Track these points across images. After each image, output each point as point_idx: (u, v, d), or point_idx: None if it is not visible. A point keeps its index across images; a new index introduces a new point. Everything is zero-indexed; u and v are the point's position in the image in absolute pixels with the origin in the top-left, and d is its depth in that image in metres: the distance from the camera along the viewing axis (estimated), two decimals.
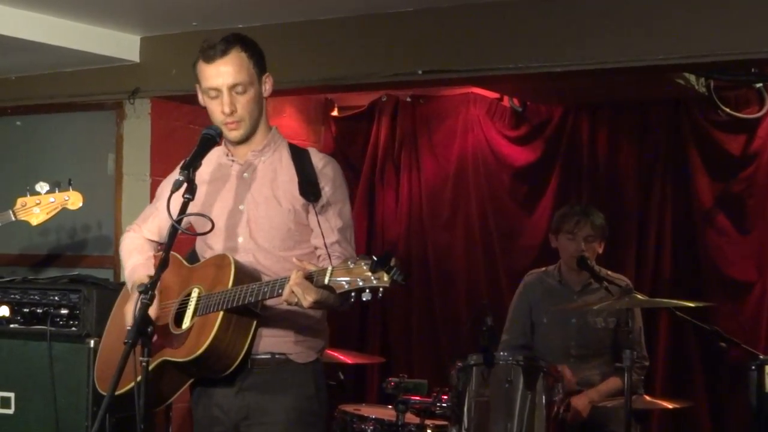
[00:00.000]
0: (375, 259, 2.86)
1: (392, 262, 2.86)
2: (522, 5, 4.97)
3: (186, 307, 3.36)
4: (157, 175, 5.95)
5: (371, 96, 7.10)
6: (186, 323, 3.33)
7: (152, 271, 3.43)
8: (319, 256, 3.41)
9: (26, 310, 5.13)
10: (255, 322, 3.30)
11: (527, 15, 4.95)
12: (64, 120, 6.26)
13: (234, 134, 3.41)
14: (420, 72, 5.17)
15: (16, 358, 5.10)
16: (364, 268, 2.88)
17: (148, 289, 2.99)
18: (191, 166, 3.12)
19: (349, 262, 2.93)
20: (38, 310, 5.10)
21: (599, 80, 5.63)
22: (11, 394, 5.09)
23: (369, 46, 5.32)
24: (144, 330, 2.93)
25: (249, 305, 3.21)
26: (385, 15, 5.20)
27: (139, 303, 3.01)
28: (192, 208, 3.43)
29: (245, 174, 3.47)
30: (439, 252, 6.95)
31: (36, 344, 5.04)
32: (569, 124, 6.65)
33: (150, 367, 3.25)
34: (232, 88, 3.34)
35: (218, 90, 3.35)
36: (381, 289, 2.88)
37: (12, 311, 5.15)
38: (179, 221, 3.09)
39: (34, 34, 5.39)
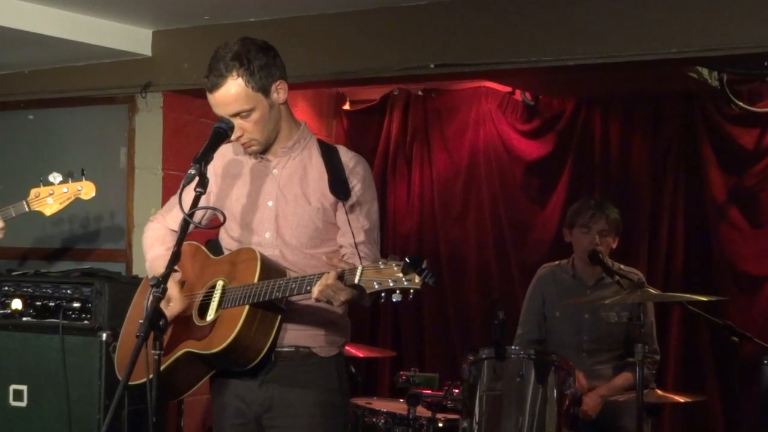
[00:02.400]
0: (407, 260, 2.87)
1: (424, 264, 2.87)
2: None
3: (210, 299, 3.36)
4: (169, 168, 5.96)
5: (383, 90, 7.09)
6: (210, 315, 3.33)
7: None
8: (343, 255, 3.38)
9: (39, 303, 5.15)
10: (279, 317, 3.29)
11: (539, 8, 4.93)
12: (77, 114, 6.27)
13: (251, 150, 3.42)
14: (432, 66, 5.16)
15: (28, 351, 5.12)
16: (395, 269, 2.89)
17: (159, 283, 2.98)
18: (203, 160, 3.12)
19: (379, 263, 2.94)
20: (50, 304, 5.12)
21: (612, 74, 5.62)
22: (24, 387, 5.11)
23: (381, 39, 5.32)
24: (156, 323, 2.94)
25: (275, 301, 3.21)
26: (397, 9, 5.19)
27: (151, 296, 3.01)
28: (218, 201, 3.48)
29: (275, 170, 3.45)
30: (451, 245, 6.95)
31: (48, 337, 5.06)
32: (581, 118, 6.64)
33: (173, 358, 3.30)
34: (234, 115, 3.32)
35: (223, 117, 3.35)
36: (412, 291, 2.89)
37: (24, 304, 5.17)
38: (191, 215, 3.09)
39: (47, 28, 5.40)
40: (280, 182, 3.43)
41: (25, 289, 5.20)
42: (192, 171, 3.08)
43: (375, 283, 2.92)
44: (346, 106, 7.30)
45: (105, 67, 6.01)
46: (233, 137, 3.34)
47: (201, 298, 3.39)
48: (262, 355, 3.27)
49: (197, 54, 5.70)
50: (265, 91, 3.32)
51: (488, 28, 5.05)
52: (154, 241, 3.64)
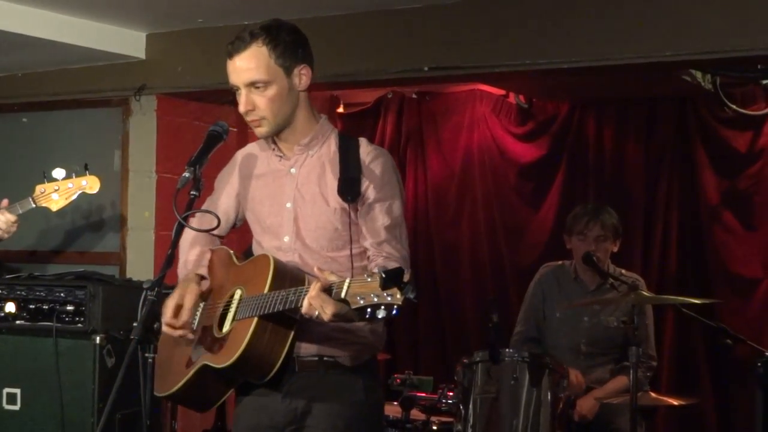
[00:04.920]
0: (383, 275, 2.70)
1: (405, 278, 2.70)
2: (528, 2, 4.97)
3: (229, 309, 3.25)
4: (163, 171, 5.95)
5: (377, 93, 7.10)
6: (226, 327, 3.21)
7: (202, 267, 3.38)
8: (368, 257, 3.21)
9: (32, 306, 5.14)
10: (293, 327, 3.13)
11: (533, 11, 4.94)
12: (71, 117, 6.27)
13: (258, 131, 3.24)
14: (426, 68, 5.17)
15: (22, 354, 5.11)
16: (378, 282, 2.72)
17: (154, 286, 2.93)
18: (197, 163, 3.05)
19: (366, 276, 2.77)
20: (44, 307, 5.10)
21: (606, 77, 5.63)
22: (17, 390, 5.10)
23: (375, 42, 5.32)
24: (150, 326, 2.91)
25: (285, 311, 3.05)
26: (391, 11, 5.20)
27: (145, 299, 2.95)
28: (244, 203, 3.38)
29: (292, 169, 3.29)
30: (445, 248, 6.95)
31: (42, 340, 5.04)
32: (575, 121, 6.65)
33: (193, 371, 3.22)
34: (249, 85, 3.16)
35: (237, 87, 3.21)
36: (395, 307, 2.72)
37: (18, 307, 5.15)
38: (186, 218, 3.04)
39: (41, 30, 5.39)
40: (298, 182, 3.27)
41: (18, 292, 5.18)
42: (186, 174, 3.03)
43: (359, 298, 2.74)
44: (340, 109, 7.30)
45: (99, 70, 6.00)
46: (242, 110, 3.19)
47: (222, 309, 3.28)
48: (276, 367, 3.13)
49: (191, 57, 5.72)
50: (287, 70, 3.18)
51: (482, 31, 5.05)
52: (189, 244, 3.47)
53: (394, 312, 2.73)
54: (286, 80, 3.19)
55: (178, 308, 3.24)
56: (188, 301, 3.26)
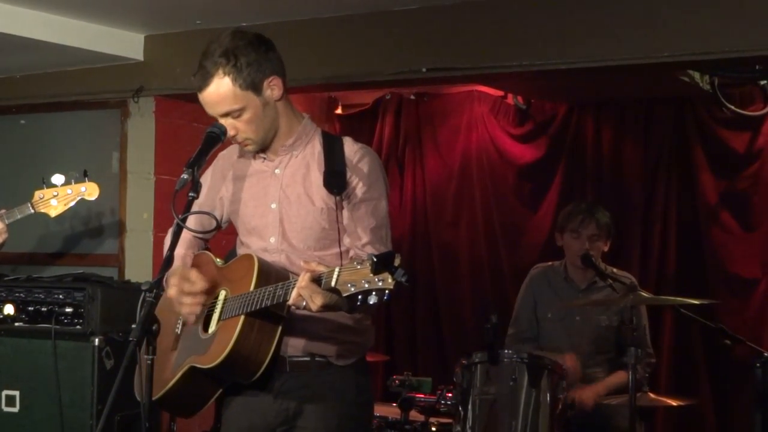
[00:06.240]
0: (374, 259, 2.66)
1: (396, 262, 2.67)
2: (526, 3, 4.97)
3: (214, 310, 3.25)
4: (161, 173, 5.95)
5: (375, 94, 7.10)
6: (212, 328, 3.21)
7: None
8: (351, 257, 3.18)
9: (31, 308, 5.14)
10: (280, 325, 3.12)
11: (532, 12, 4.94)
12: (69, 119, 6.26)
13: (247, 149, 3.29)
14: (424, 70, 5.16)
15: (20, 356, 5.11)
16: (369, 268, 2.69)
17: (153, 287, 2.91)
18: (195, 165, 3.04)
19: (355, 263, 2.75)
20: (43, 309, 5.11)
21: (603, 78, 5.63)
22: (16, 392, 5.10)
23: (373, 43, 5.32)
24: (149, 328, 2.91)
25: (272, 308, 3.05)
26: (389, 13, 5.20)
27: (144, 301, 2.94)
28: (232, 206, 3.38)
29: (277, 170, 3.30)
30: (443, 249, 6.95)
31: (41, 342, 5.05)
32: (574, 122, 6.66)
33: (179, 374, 3.21)
34: (224, 116, 3.18)
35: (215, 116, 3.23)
36: (387, 292, 2.69)
37: (17, 309, 5.16)
38: (184, 219, 3.02)
39: (39, 32, 5.39)
40: (282, 183, 3.28)
41: (17, 294, 5.18)
42: (185, 176, 3.01)
43: (350, 285, 2.72)
44: (339, 111, 7.30)
45: (97, 71, 6.00)
46: (229, 135, 3.20)
47: (207, 311, 3.27)
48: (264, 365, 3.12)
49: (189, 58, 5.64)
50: (256, 89, 3.16)
51: (480, 32, 5.05)
52: (182, 249, 3.45)
53: (386, 297, 2.71)
54: (258, 99, 3.19)
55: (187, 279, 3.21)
56: (195, 275, 3.22)
